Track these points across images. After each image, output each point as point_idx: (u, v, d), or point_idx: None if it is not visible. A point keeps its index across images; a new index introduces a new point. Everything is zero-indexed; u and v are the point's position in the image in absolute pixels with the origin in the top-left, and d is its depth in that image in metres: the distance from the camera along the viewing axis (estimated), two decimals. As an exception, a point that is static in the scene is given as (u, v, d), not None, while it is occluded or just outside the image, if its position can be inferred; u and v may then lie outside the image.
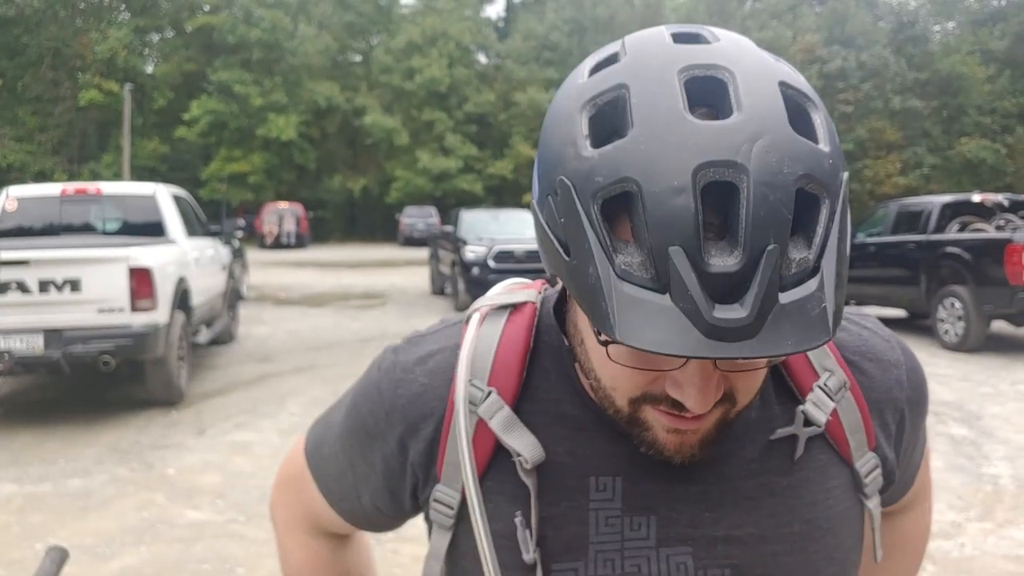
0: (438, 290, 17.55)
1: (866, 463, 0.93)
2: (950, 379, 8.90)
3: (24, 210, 8.78)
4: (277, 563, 4.15)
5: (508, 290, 0.98)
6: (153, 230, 8.66)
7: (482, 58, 51.14)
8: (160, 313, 7.31)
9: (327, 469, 1.04)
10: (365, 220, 47.54)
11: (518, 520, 0.87)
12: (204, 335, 9.38)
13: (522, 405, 0.90)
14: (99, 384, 8.54)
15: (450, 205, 32.63)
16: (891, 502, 1.05)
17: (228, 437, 6.90)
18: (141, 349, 7.18)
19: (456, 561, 0.93)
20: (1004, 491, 5.52)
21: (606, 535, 0.88)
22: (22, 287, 6.96)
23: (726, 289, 0.65)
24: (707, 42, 0.74)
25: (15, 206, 8.73)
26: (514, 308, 0.95)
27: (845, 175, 0.71)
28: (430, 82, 44.64)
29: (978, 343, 10.43)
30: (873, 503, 0.94)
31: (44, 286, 7.00)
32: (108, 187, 9.39)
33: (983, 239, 10.53)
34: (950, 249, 10.86)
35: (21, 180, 32.24)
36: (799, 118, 0.70)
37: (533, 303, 0.96)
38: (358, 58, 50.59)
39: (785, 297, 0.66)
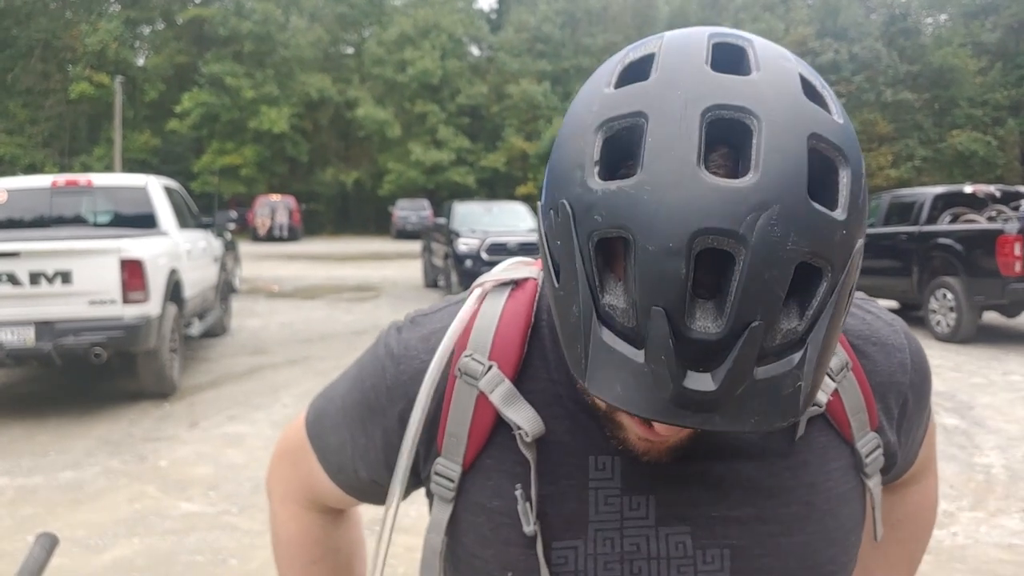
0: (431, 283, 17.54)
1: (868, 443, 0.92)
2: (942, 370, 8.93)
3: (14, 202, 8.73)
4: (270, 554, 4.13)
5: (511, 267, 0.98)
6: (145, 222, 8.62)
7: (475, 50, 51.02)
8: (152, 305, 7.28)
9: (327, 440, 1.04)
10: (358, 213, 47.39)
11: (518, 492, 0.88)
12: (196, 327, 9.35)
13: (522, 383, 0.90)
14: (91, 376, 8.52)
15: (443, 198, 32.54)
16: (895, 478, 1.04)
17: (221, 429, 6.89)
18: (133, 341, 7.15)
19: (457, 535, 0.94)
20: (996, 480, 5.54)
21: (605, 514, 0.88)
22: (12, 279, 6.93)
23: (703, 355, 0.65)
24: (746, 72, 0.69)
25: (5, 198, 8.67)
26: (516, 285, 0.95)
27: (860, 243, 0.68)
28: (422, 74, 44.48)
29: (970, 334, 10.46)
30: (873, 482, 0.94)
31: (35, 278, 6.97)
32: (99, 179, 9.34)
33: (975, 230, 10.55)
34: (942, 240, 10.88)
35: (11, 173, 32.04)
36: (822, 179, 0.67)
37: (535, 280, 0.96)
38: (350, 50, 50.40)
39: (761, 372, 0.66)
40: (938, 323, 10.78)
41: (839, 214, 0.66)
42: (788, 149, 0.65)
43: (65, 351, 7.00)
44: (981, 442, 6.37)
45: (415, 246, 25.51)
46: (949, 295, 10.60)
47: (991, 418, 7.07)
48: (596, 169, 0.68)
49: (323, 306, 15.00)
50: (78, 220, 8.96)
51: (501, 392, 0.88)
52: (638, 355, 0.66)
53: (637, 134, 0.67)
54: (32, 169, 36.39)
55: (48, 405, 7.75)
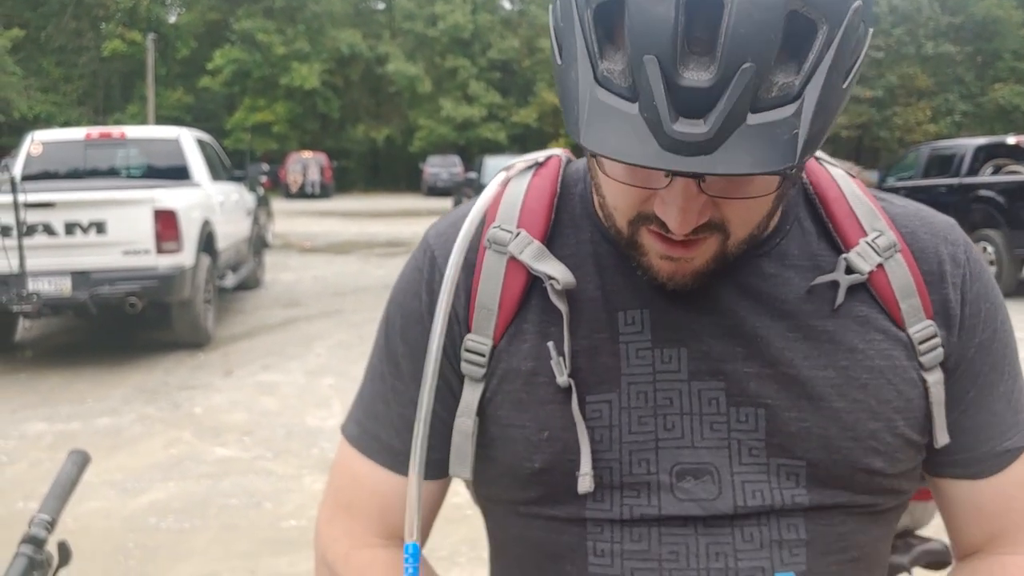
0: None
1: (923, 330, 0.88)
2: (981, 323, 8.78)
3: (49, 154, 8.81)
4: (303, 498, 4.17)
5: (536, 155, 0.99)
6: (178, 174, 8.66)
7: (506, 3, 50.48)
8: (186, 255, 7.32)
9: (369, 426, 0.98)
10: (389, 170, 47.37)
11: (550, 344, 0.87)
12: (230, 279, 9.42)
13: (551, 248, 0.90)
14: (127, 326, 8.60)
15: (473, 154, 32.38)
16: (972, 459, 0.92)
17: (255, 378, 6.95)
18: (167, 291, 7.21)
19: (491, 411, 0.91)
20: (1036, 432, 5.46)
21: (637, 367, 0.87)
22: (49, 229, 6.99)
23: (696, 104, 0.65)
24: None
25: (40, 150, 8.74)
26: (540, 164, 0.97)
27: (857, 3, 0.68)
28: (453, 28, 44.16)
29: (1010, 287, 10.29)
30: (933, 379, 0.88)
31: (70, 228, 7.02)
32: (132, 131, 9.41)
33: (1018, 182, 10.34)
34: (983, 192, 10.68)
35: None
36: None
37: (559, 156, 0.98)
38: (380, 5, 50.14)
39: (755, 118, 0.66)
40: (977, 277, 10.62)
41: None
42: None
43: (101, 300, 7.07)
44: (1021, 394, 6.29)
45: (446, 203, 25.50)
46: (990, 248, 10.43)
47: (1031, 370, 6.96)
48: None
49: (355, 261, 15.06)
50: (112, 172, 9.03)
51: (531, 251, 0.89)
52: (632, 107, 0.67)
53: None
54: (67, 127, 36.70)
55: (85, 354, 7.86)
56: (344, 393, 6.34)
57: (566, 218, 0.93)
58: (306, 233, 20.38)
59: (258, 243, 11.59)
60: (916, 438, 0.89)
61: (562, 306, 0.87)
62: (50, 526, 1.19)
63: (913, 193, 11.94)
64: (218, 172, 9.63)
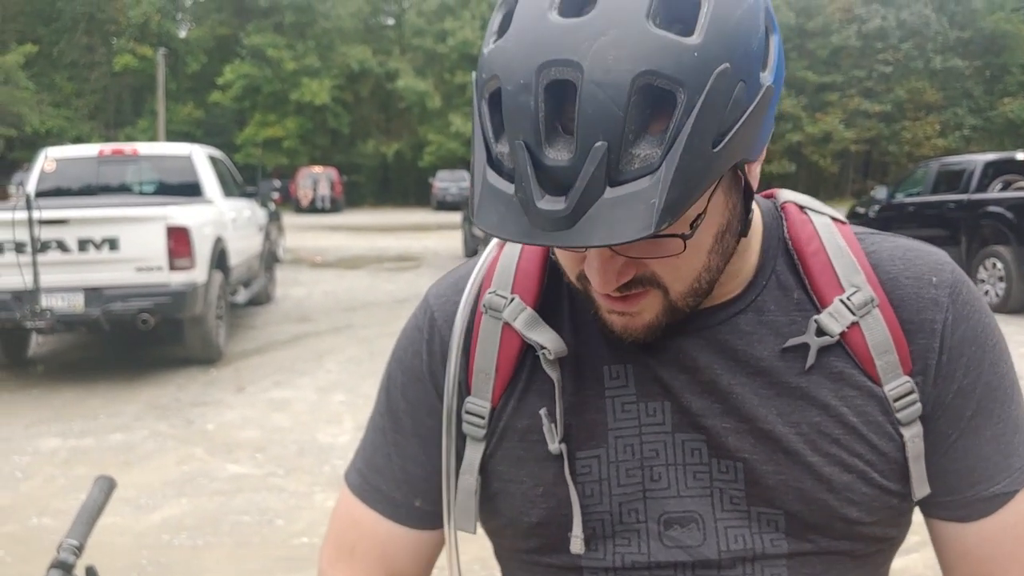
0: (471, 253, 17.57)
1: (899, 386, 0.88)
2: (991, 340, 8.74)
3: (62, 171, 8.88)
4: (315, 516, 4.20)
5: None
6: (190, 190, 8.72)
7: (515, 20, 50.75)
8: (198, 272, 7.37)
9: (371, 477, 1.03)
10: (398, 184, 47.55)
11: (543, 412, 0.91)
12: (242, 295, 9.46)
13: (544, 311, 0.94)
14: (139, 343, 8.66)
15: (482, 169, 32.57)
16: (959, 503, 0.92)
17: (267, 394, 6.98)
18: (179, 307, 7.25)
19: (492, 467, 0.95)
20: (1047, 450, 5.45)
21: (623, 421, 0.91)
22: (62, 246, 7.05)
23: (558, 182, 0.69)
24: None
25: (54, 167, 8.82)
26: None
27: (723, 67, 0.69)
28: (463, 44, 44.38)
29: (1020, 304, 10.26)
30: (911, 433, 0.89)
31: (83, 245, 7.08)
32: (145, 148, 9.48)
33: (1027, 198, 10.33)
34: (992, 208, 10.66)
35: (59, 145, 32.44)
36: (671, 9, 0.69)
37: None
38: (390, 21, 50.40)
39: (613, 192, 0.68)
40: (987, 293, 10.59)
41: (694, 39, 0.68)
42: None
43: (113, 317, 7.11)
44: (1031, 412, 6.27)
45: (455, 217, 25.56)
46: (999, 264, 10.41)
47: (1042, 388, 6.94)
48: (493, 38, 0.75)
49: (365, 276, 15.11)
50: (124, 189, 9.11)
51: (524, 319, 0.93)
52: (511, 188, 0.72)
53: (513, 1, 0.75)
54: (79, 141, 36.77)
55: (98, 370, 7.91)
56: (355, 409, 6.38)
57: (556, 279, 0.95)
58: (316, 248, 20.46)
59: (269, 258, 11.65)
60: (895, 487, 0.89)
61: (554, 374, 0.90)
62: (78, 551, 1.22)
63: (922, 209, 11.95)
64: (230, 188, 9.69)
